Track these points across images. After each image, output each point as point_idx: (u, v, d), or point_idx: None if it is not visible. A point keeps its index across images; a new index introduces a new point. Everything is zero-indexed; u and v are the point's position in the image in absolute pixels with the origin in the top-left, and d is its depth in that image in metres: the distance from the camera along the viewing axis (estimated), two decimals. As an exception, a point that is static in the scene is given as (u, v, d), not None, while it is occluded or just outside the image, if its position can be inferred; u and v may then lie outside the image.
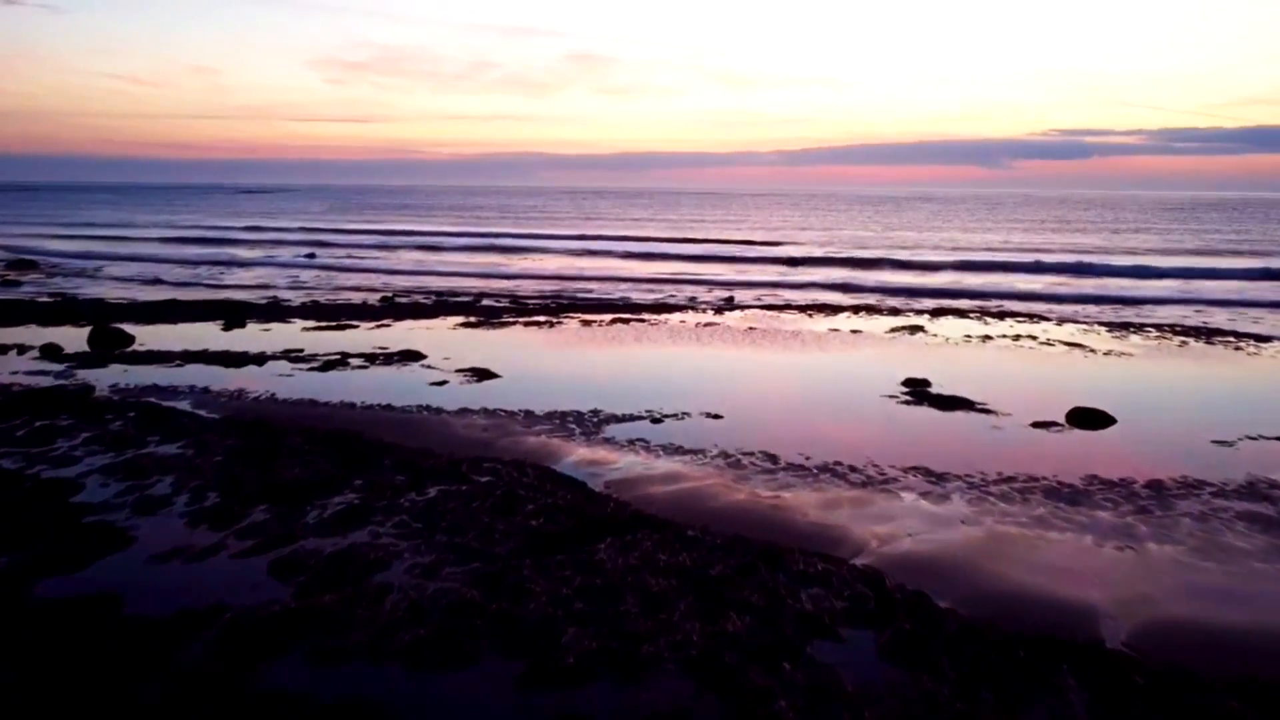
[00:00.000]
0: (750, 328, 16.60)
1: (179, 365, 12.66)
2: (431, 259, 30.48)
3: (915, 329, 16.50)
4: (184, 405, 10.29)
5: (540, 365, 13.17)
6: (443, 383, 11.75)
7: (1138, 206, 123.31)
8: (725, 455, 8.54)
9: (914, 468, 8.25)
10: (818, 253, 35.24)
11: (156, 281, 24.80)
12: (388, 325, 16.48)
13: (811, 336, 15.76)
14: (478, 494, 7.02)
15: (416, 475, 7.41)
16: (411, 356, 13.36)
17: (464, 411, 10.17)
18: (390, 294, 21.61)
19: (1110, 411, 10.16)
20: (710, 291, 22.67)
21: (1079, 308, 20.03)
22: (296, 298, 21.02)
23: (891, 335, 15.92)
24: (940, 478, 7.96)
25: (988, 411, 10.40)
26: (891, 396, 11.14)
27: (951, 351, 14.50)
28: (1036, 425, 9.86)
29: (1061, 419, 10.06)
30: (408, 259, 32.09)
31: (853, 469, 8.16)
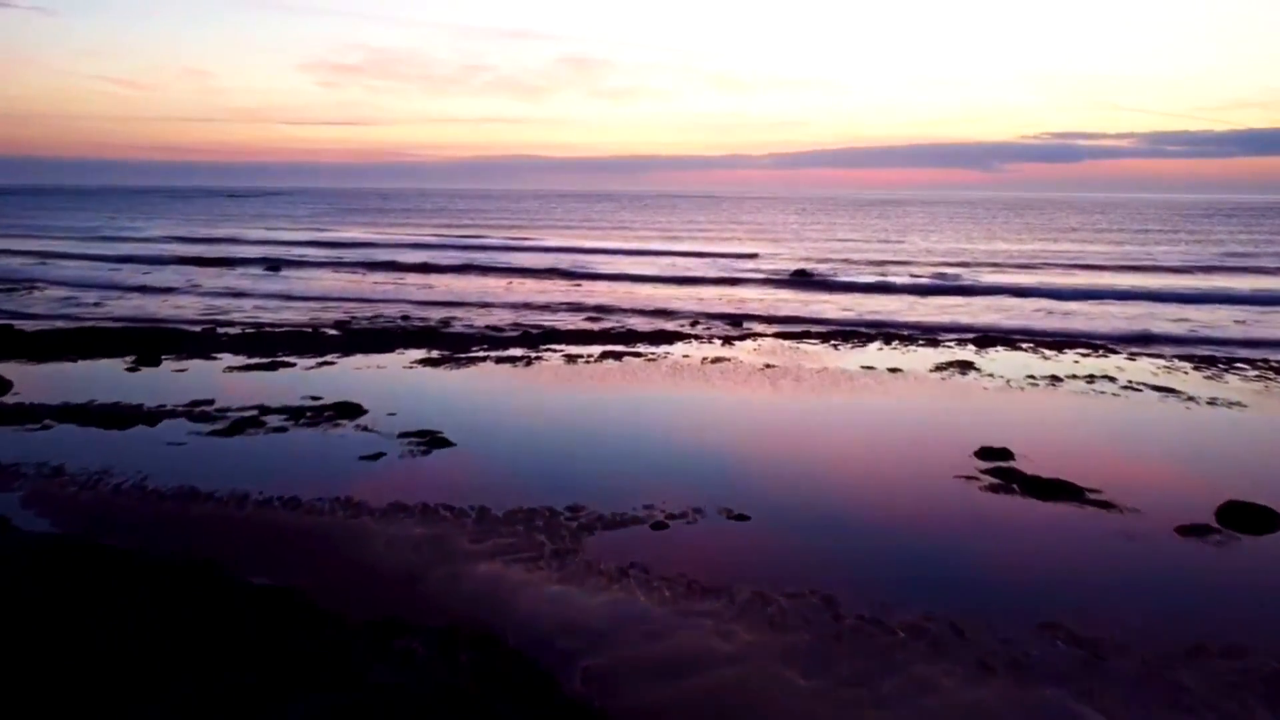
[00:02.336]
0: (767, 364, 13.86)
1: (45, 428, 9.88)
2: (409, 275, 27.54)
3: (965, 366, 13.79)
4: (10, 501, 7.53)
5: (508, 425, 10.41)
6: (378, 455, 9.01)
7: (1156, 210, 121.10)
8: (763, 599, 5.83)
9: (1048, 625, 5.54)
10: (826, 265, 32.66)
11: (92, 302, 21.98)
12: (332, 363, 13.70)
13: (843, 377, 13.03)
14: None
15: (273, 675, 4.61)
16: (348, 411, 10.61)
17: (394, 510, 7.41)
18: (348, 317, 18.84)
19: (1272, 506, 7.48)
20: (714, 316, 19.92)
21: (1144, 334, 17.37)
22: (240, 322, 18.24)
23: (939, 375, 13.21)
24: (1095, 653, 5.23)
25: (1106, 505, 7.69)
26: (969, 478, 8.44)
27: (1019, 400, 11.78)
28: (1183, 531, 7.16)
29: (1210, 517, 7.38)
30: (380, 273, 29.34)
31: (958, 631, 5.44)
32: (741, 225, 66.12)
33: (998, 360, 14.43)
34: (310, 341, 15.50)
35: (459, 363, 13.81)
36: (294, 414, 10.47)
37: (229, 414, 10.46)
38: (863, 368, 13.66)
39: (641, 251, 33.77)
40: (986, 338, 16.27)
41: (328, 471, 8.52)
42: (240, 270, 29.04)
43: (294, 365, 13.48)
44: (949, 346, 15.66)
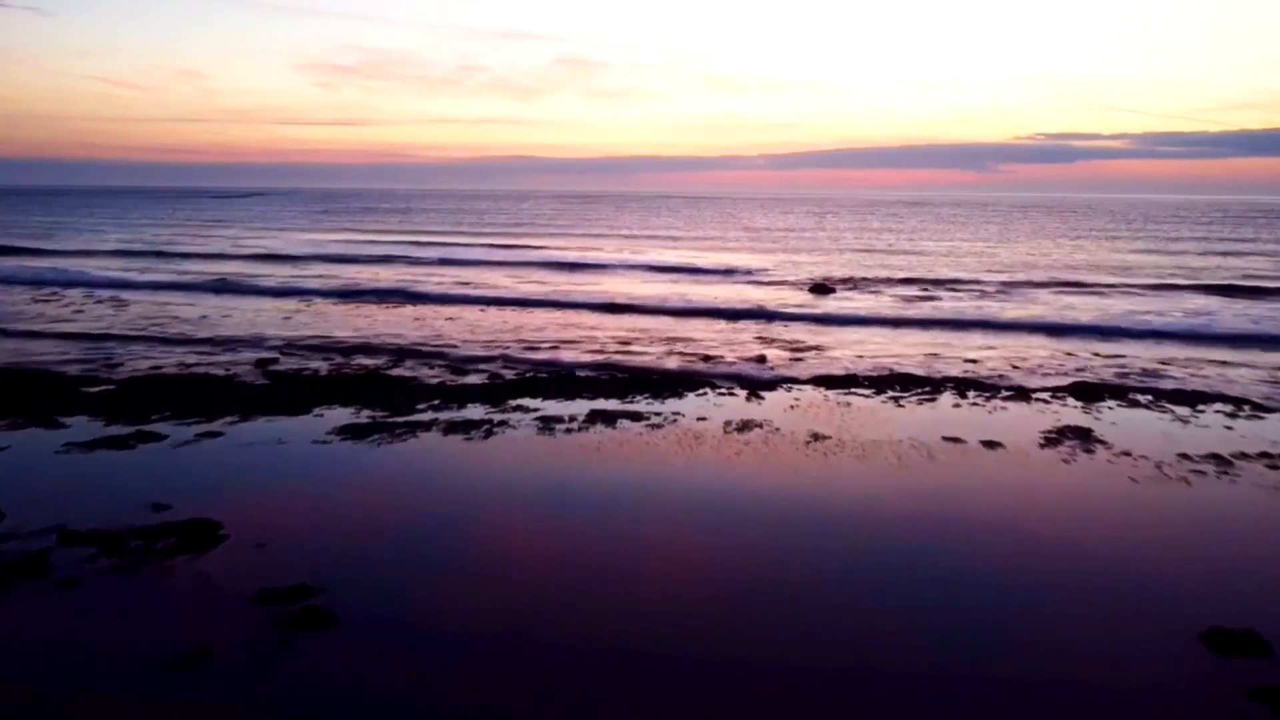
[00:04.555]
0: (814, 435, 10.16)
1: None
2: (372, 300, 23.14)
3: (1082, 435, 10.13)
4: None
5: (439, 572, 6.63)
6: (201, 652, 5.30)
7: (1182, 213, 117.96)
8: None
9: None
10: (840, 271, 28.97)
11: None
12: (218, 434, 9.94)
13: (923, 458, 9.34)
14: None
15: None
16: (195, 540, 6.90)
17: None
18: (274, 354, 15.06)
19: None
20: (730, 344, 16.21)
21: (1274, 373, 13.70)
22: (136, 365, 14.44)
23: (1055, 454, 9.53)
24: None
25: None
26: (1213, 694, 4.78)
27: (1200, 507, 8.10)
28: None
29: None
30: (338, 300, 25.48)
31: None
32: (743, 230, 62.47)
33: (1119, 424, 10.75)
34: (208, 395, 11.75)
35: (394, 432, 10.08)
36: (110, 545, 6.75)
37: (8, 543, 6.75)
38: (945, 440, 9.97)
39: (637, 266, 29.72)
40: (1087, 387, 12.56)
41: (95, 702, 4.81)
42: (181, 294, 24.77)
43: (163, 439, 9.73)
44: (1043, 401, 11.96)
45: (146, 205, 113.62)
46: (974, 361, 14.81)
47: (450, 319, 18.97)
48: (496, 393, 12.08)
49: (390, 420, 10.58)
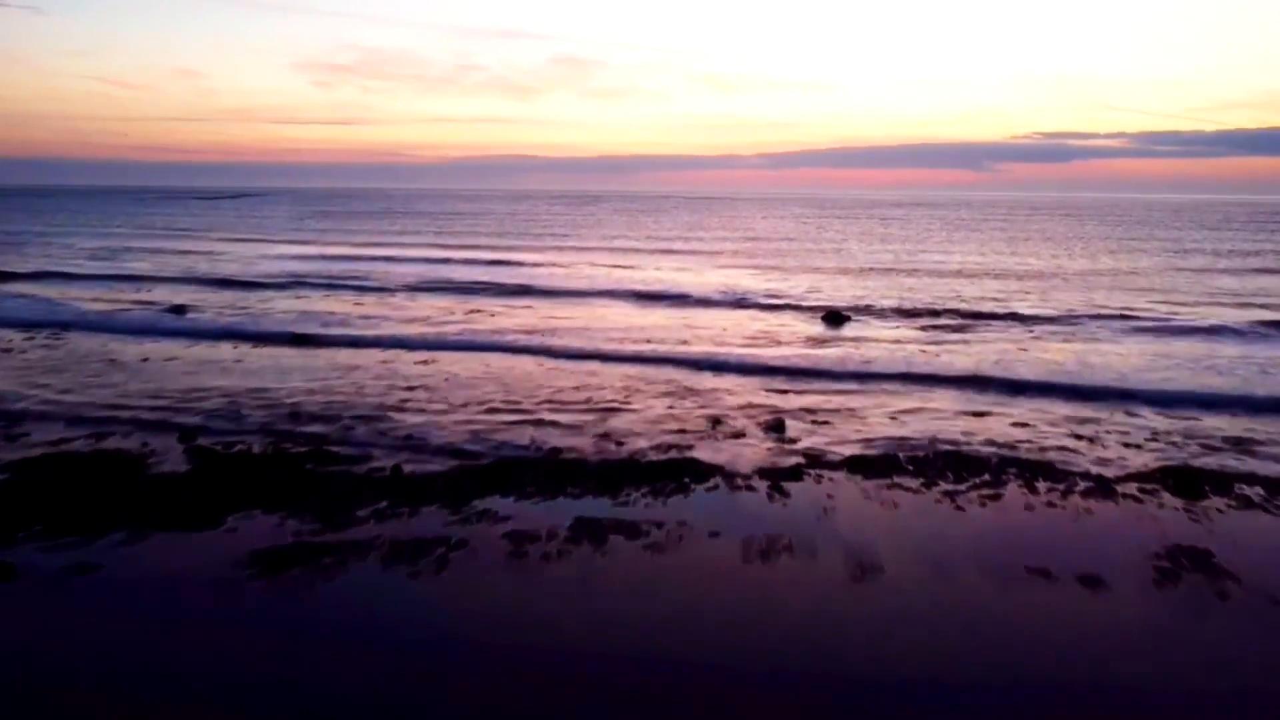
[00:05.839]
0: (860, 564, 7.92)
1: None
2: (329, 346, 18.77)
3: (1202, 561, 7.91)
4: None
5: None
6: None
7: (1187, 215, 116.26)
8: None
9: None
10: (851, 291, 26.75)
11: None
12: (93, 568, 7.67)
13: (1002, 605, 7.14)
14: None
15: None
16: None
17: None
18: (205, 419, 12.76)
19: None
20: (740, 402, 13.97)
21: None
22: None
23: (1175, 595, 7.31)
24: None
25: None
26: None
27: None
28: None
29: None
30: (300, 309, 23.18)
31: None
32: (743, 239, 60.34)
33: (1239, 539, 8.51)
34: (105, 492, 9.47)
35: (321, 563, 7.81)
36: None
37: None
38: (1029, 572, 7.75)
39: (626, 294, 27.19)
40: (1179, 475, 10.27)
41: None
42: (125, 335, 22.13)
43: (18, 580, 7.49)
44: (1133, 498, 9.71)
45: (130, 207, 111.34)
46: (1027, 426, 12.57)
47: (422, 367, 16.53)
48: (460, 487, 9.80)
49: (320, 540, 8.33)
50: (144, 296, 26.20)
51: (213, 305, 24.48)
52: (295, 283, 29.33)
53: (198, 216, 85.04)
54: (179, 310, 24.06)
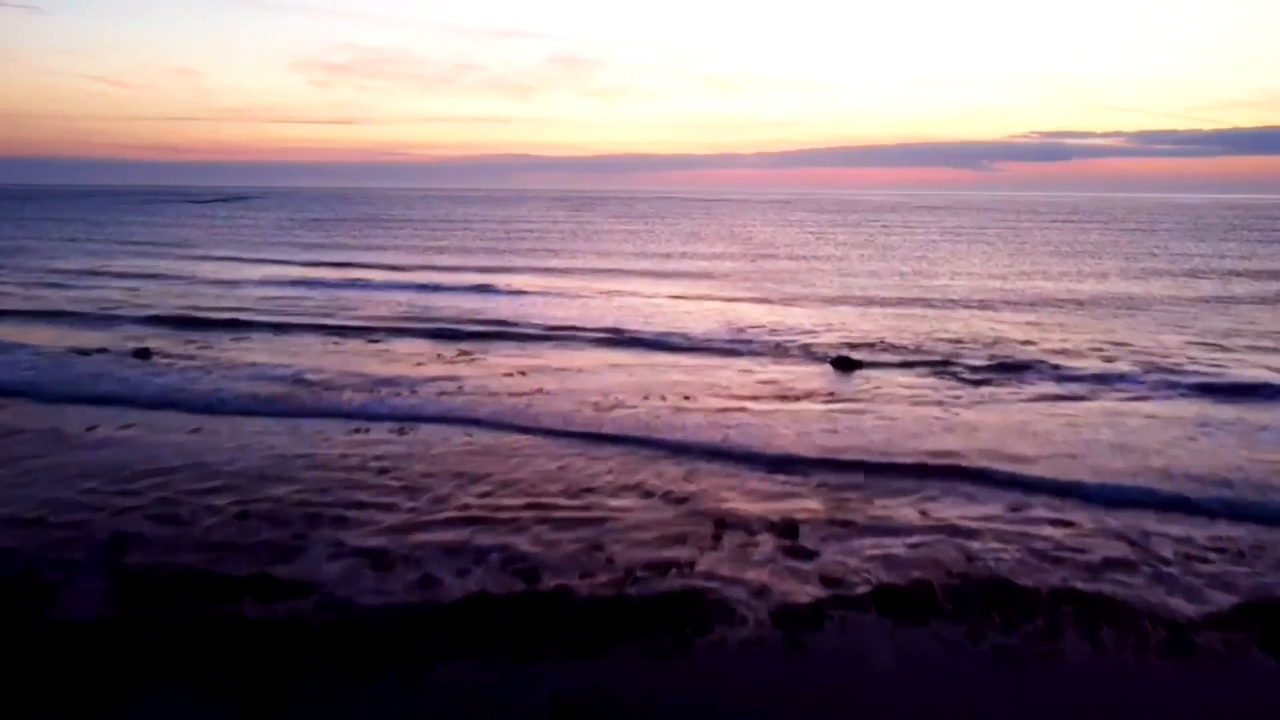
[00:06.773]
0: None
1: None
2: (277, 399, 17.40)
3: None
4: None
5: None
6: None
7: (1192, 216, 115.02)
8: None
9: None
10: (861, 324, 25.15)
11: None
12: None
13: None
14: None
15: None
16: None
17: None
18: (125, 532, 11.13)
19: None
20: (743, 498, 12.40)
21: None
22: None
23: None
24: None
25: None
26: None
27: None
28: None
29: None
30: (252, 370, 21.46)
31: None
32: (743, 254, 58.86)
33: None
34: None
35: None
36: None
37: None
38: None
39: (609, 338, 24.80)
40: (1270, 632, 8.80)
41: None
42: (43, 406, 20.88)
43: None
44: (1218, 655, 8.19)
45: (120, 213, 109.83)
46: (1082, 543, 10.90)
47: (380, 451, 14.55)
48: (415, 651, 8.22)
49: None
50: (106, 338, 24.52)
51: (176, 352, 22.75)
52: (269, 322, 27.39)
53: (186, 226, 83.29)
54: (144, 354, 22.48)
